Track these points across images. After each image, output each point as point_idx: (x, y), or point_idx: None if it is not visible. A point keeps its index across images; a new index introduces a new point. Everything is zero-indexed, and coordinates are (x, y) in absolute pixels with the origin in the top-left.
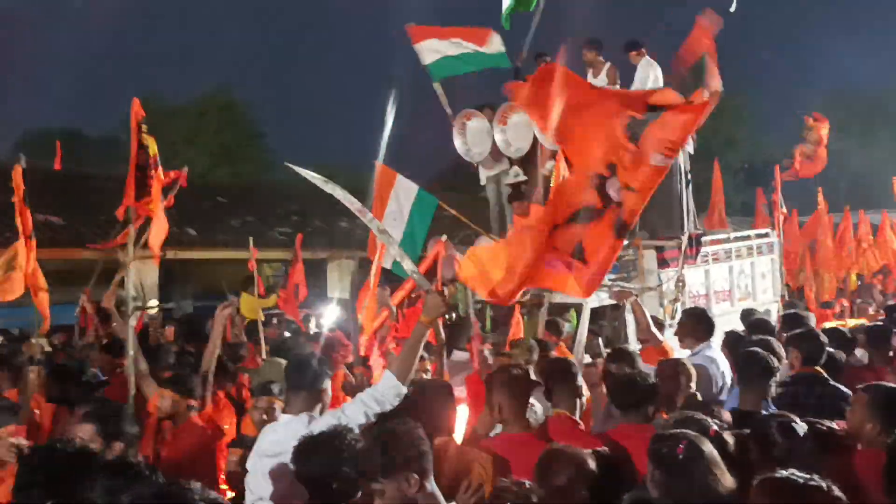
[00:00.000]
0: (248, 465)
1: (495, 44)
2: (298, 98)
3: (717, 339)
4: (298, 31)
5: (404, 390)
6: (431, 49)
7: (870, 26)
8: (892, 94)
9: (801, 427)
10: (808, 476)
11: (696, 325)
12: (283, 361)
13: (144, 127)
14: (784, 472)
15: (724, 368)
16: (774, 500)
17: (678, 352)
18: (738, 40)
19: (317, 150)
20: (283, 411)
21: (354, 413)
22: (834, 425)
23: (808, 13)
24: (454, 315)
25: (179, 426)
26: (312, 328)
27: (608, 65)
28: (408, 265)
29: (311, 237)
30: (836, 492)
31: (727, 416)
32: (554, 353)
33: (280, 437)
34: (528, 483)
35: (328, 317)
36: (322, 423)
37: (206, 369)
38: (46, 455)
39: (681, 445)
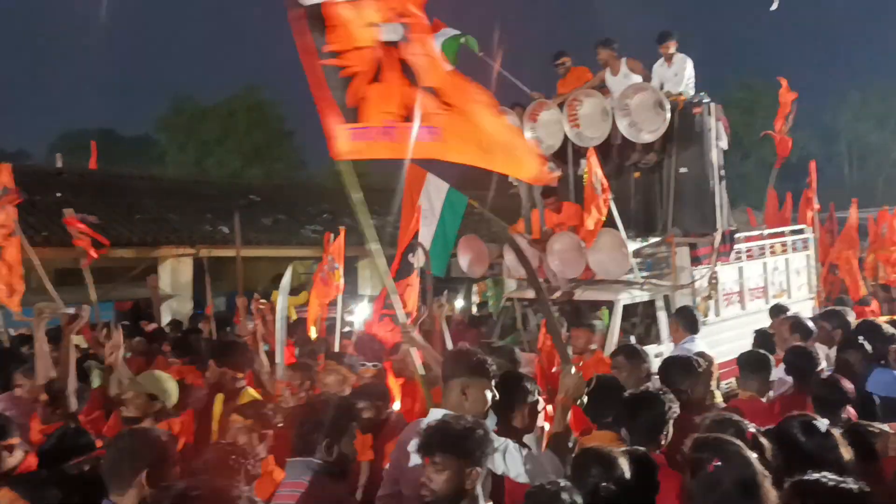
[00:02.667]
0: None
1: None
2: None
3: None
4: None
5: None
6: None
7: None
8: None
9: (822, 423)
10: (840, 479)
11: (683, 321)
12: (164, 374)
13: None
14: (815, 475)
15: None
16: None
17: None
18: (773, 36)
19: None
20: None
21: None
22: (886, 427)
23: (846, 9)
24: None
25: None
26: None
27: (624, 59)
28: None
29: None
30: (869, 494)
31: None
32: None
33: None
34: (563, 482)
35: (359, 314)
36: None
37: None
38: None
39: (713, 463)
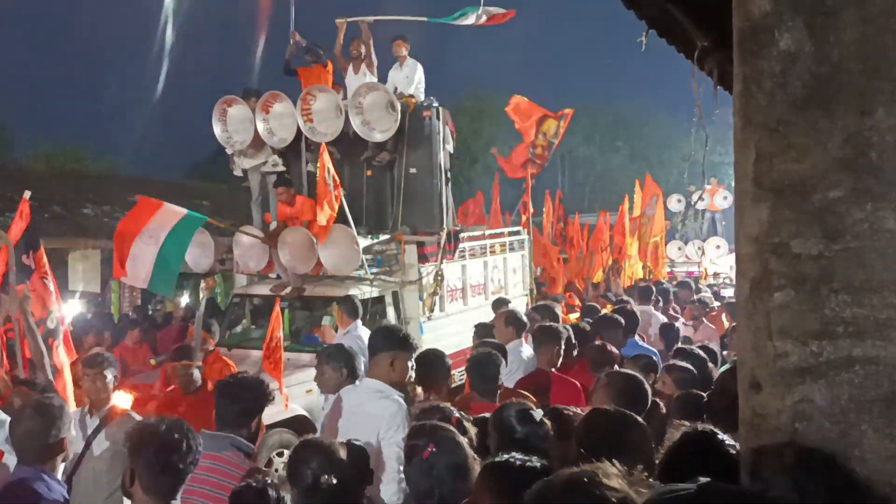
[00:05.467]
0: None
1: None
2: (38, 71)
3: None
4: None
5: None
6: None
7: (614, 51)
8: (630, 110)
9: (537, 413)
10: (526, 458)
11: (347, 309)
12: None
13: None
14: (505, 456)
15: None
16: (495, 482)
17: None
18: (500, 52)
19: (58, 132)
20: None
21: None
22: (579, 410)
23: (564, 34)
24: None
25: None
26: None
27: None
28: None
29: (49, 224)
30: (551, 469)
31: None
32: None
33: None
34: (270, 479)
35: (69, 311)
36: None
37: None
38: None
39: (429, 448)
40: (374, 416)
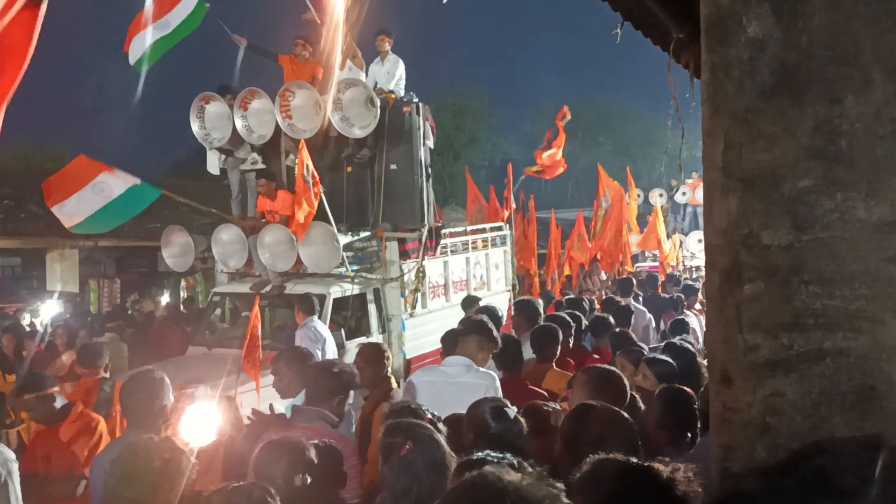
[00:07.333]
0: None
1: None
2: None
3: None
4: None
5: None
6: (138, 46)
7: (595, 48)
8: (613, 106)
9: (511, 410)
10: (501, 456)
11: (303, 306)
12: None
13: None
14: (480, 454)
15: (326, 336)
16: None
17: None
18: (484, 49)
19: (37, 131)
20: None
21: None
22: (557, 406)
23: (546, 30)
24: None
25: None
26: (25, 324)
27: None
28: None
29: (26, 223)
30: (528, 468)
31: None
32: None
33: None
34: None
35: (46, 312)
36: None
37: None
38: None
39: (406, 446)
40: (474, 385)
